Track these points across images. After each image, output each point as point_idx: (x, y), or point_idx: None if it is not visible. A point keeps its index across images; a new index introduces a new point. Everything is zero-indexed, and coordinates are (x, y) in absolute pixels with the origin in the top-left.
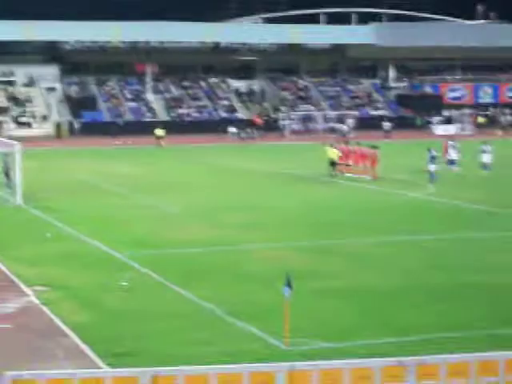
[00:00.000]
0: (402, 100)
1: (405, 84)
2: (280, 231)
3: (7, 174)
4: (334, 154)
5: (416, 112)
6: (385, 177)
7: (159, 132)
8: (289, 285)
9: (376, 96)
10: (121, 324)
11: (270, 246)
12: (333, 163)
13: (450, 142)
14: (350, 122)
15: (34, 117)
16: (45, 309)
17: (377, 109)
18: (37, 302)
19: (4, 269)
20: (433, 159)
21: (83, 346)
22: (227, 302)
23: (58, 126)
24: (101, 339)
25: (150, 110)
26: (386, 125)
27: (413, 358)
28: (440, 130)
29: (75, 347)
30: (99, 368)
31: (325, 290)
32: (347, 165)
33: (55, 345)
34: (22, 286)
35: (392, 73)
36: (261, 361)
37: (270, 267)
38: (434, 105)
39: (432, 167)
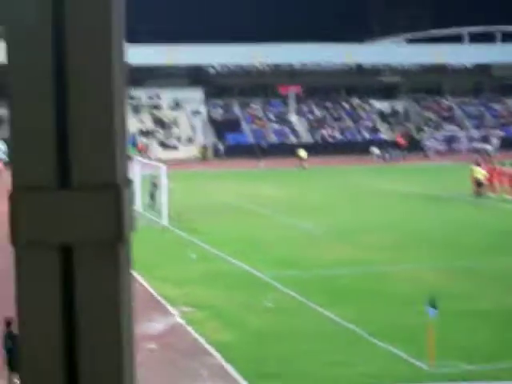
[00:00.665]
0: None
1: None
2: (422, 252)
3: (152, 196)
4: (480, 173)
5: None
6: None
7: (302, 153)
8: (433, 306)
9: None
10: (264, 344)
11: (412, 267)
12: (479, 183)
13: None
14: (495, 141)
15: (179, 139)
16: (190, 329)
17: None
18: (182, 322)
19: (150, 289)
20: None
21: (227, 366)
22: (370, 323)
23: (203, 148)
24: (245, 359)
25: (293, 131)
26: None
27: None
28: None
29: (220, 367)
30: None
31: (468, 312)
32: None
33: (200, 364)
34: (168, 306)
35: None
36: (405, 382)
37: (412, 288)
38: None
39: None
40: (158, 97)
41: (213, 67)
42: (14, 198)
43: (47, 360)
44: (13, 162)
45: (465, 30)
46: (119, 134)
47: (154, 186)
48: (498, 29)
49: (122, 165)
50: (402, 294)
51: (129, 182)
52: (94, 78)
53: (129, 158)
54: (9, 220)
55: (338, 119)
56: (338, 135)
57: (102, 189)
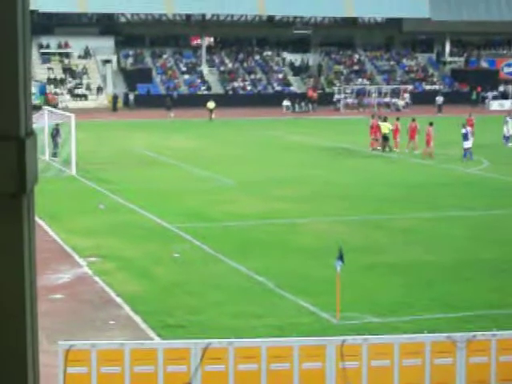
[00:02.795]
0: (458, 75)
1: (461, 59)
2: (331, 205)
3: (55, 141)
4: (386, 128)
5: (472, 87)
6: (437, 152)
7: (210, 105)
8: (341, 258)
9: (431, 71)
10: (173, 296)
11: (321, 220)
12: (385, 138)
13: (507, 118)
14: (405, 96)
15: (89, 89)
16: (98, 279)
17: (432, 83)
18: (90, 272)
19: (58, 240)
20: (465, 136)
21: (135, 317)
22: (279, 276)
23: (113, 98)
24: (153, 310)
25: (205, 82)
26: (439, 99)
27: (463, 334)
28: (495, 105)
29: (127, 318)
30: (151, 339)
31: (375, 265)
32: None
33: (107, 315)
34: (76, 257)
35: (448, 47)
36: (312, 335)
37: (320, 241)
38: (489, 80)
39: (465, 144)
40: (68, 45)
41: (124, 16)
42: None
43: None
44: None
45: None
46: (23, 84)
47: (57, 131)
48: None
49: (26, 117)
50: (312, 247)
51: (33, 134)
52: None
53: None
54: None
55: (249, 71)
56: (249, 87)
57: (4, 141)
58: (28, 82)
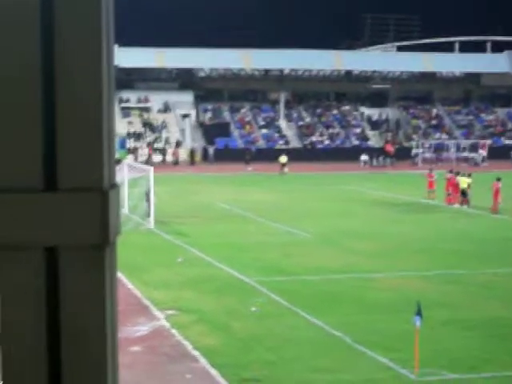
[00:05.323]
0: None
1: None
2: (408, 260)
3: (148, 199)
4: (464, 183)
5: None
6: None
7: (283, 159)
8: (419, 314)
9: (510, 125)
10: (249, 349)
11: (398, 274)
12: (463, 193)
13: None
14: (483, 151)
15: (168, 143)
16: (175, 332)
17: (511, 138)
18: (167, 325)
19: (136, 292)
20: None
21: (212, 370)
22: (356, 330)
23: (192, 152)
24: (229, 364)
25: (282, 137)
26: None
27: None
28: None
29: (204, 371)
30: None
31: (452, 320)
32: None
33: (184, 368)
34: (154, 310)
35: None
36: None
37: (397, 296)
38: None
39: None
40: (148, 100)
41: (203, 71)
42: None
43: (30, 364)
44: None
45: (455, 39)
46: (107, 137)
47: (147, 190)
48: (487, 38)
49: (109, 168)
50: (389, 302)
51: (115, 186)
52: (83, 79)
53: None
54: None
55: (327, 125)
56: (327, 141)
57: (89, 192)
58: (112, 135)
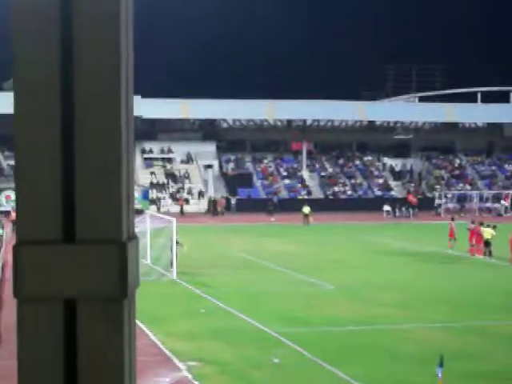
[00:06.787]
0: None
1: None
2: (432, 311)
3: (172, 250)
4: (488, 233)
5: None
6: None
7: (306, 210)
8: (441, 365)
9: None
10: None
11: (422, 325)
12: (487, 243)
13: None
14: (506, 201)
15: (191, 193)
16: (197, 383)
17: None
18: (190, 376)
19: (158, 343)
20: None
21: None
22: (379, 382)
23: (211, 202)
24: None
25: (305, 187)
26: None
27: None
28: None
29: None
30: None
31: (474, 373)
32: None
33: None
34: (176, 361)
35: None
36: None
37: (422, 348)
38: None
39: None
40: (171, 150)
41: (226, 122)
42: (18, 251)
43: None
44: (17, 214)
45: (477, 90)
46: (125, 189)
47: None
48: (510, 89)
49: (128, 220)
50: (413, 354)
51: (134, 238)
52: (101, 130)
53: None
54: (12, 273)
55: (349, 176)
56: (349, 192)
57: (107, 244)
58: (131, 187)
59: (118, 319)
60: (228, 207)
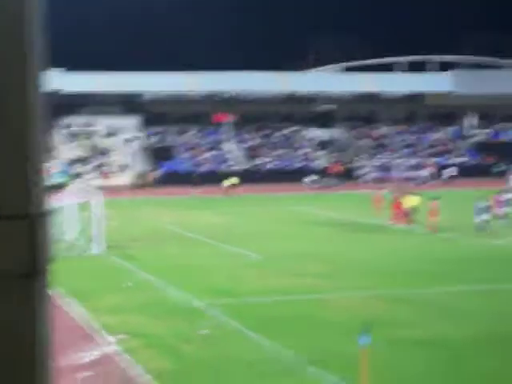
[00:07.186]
0: (482, 148)
1: (485, 131)
2: (357, 280)
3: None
4: (412, 202)
5: (497, 160)
6: (459, 224)
7: (231, 181)
8: (366, 334)
9: (455, 144)
10: (200, 372)
11: (348, 294)
12: (411, 211)
13: None
14: (428, 170)
15: (114, 167)
16: (126, 357)
17: (456, 156)
18: (118, 349)
19: (85, 317)
20: (480, 211)
21: None
22: (307, 351)
23: (138, 175)
24: None
25: (229, 159)
26: (451, 171)
27: None
28: None
29: None
30: None
31: (402, 340)
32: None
33: None
34: (104, 334)
35: (471, 120)
36: None
37: (348, 316)
38: None
39: (478, 218)
40: (93, 124)
41: (148, 95)
42: None
43: None
44: None
45: (400, 59)
46: (34, 164)
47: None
48: (430, 58)
49: (38, 194)
50: (339, 322)
51: (47, 213)
52: (9, 103)
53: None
54: None
55: (273, 147)
56: (273, 163)
57: (14, 220)
58: (40, 161)
59: (30, 295)
60: (152, 180)
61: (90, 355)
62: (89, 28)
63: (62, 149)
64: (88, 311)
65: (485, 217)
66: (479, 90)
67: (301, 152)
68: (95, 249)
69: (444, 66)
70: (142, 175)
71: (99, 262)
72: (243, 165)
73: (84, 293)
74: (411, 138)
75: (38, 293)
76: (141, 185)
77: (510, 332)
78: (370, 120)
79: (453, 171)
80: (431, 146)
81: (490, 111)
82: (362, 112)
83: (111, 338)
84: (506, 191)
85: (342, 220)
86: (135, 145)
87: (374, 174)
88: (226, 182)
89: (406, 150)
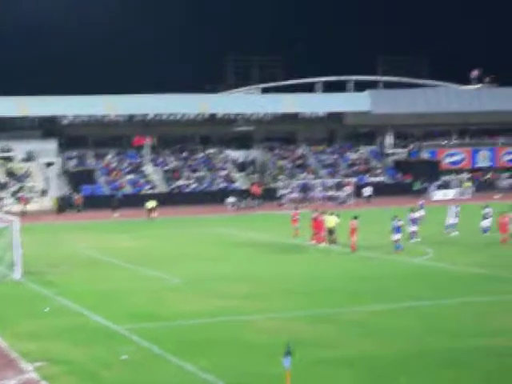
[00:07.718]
0: (400, 166)
1: (403, 150)
2: (279, 301)
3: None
4: (332, 222)
5: (415, 178)
6: (380, 244)
7: (150, 204)
8: (289, 355)
9: (374, 163)
10: None
11: (270, 316)
12: (330, 231)
13: (452, 207)
14: (348, 189)
15: (32, 192)
16: None
17: (375, 175)
18: (36, 377)
19: (3, 345)
20: (398, 229)
21: None
22: (228, 374)
23: (58, 200)
24: None
25: (149, 182)
26: (367, 190)
27: None
28: (439, 195)
29: None
30: None
31: (325, 360)
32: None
33: None
34: (22, 362)
35: (389, 139)
36: None
37: (270, 338)
38: (431, 170)
39: (395, 236)
40: (11, 149)
41: (66, 118)
42: None
43: None
44: None
45: (318, 80)
46: None
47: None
48: (349, 78)
49: None
50: (262, 344)
51: None
52: None
53: None
54: None
55: (193, 169)
56: (193, 185)
57: None
58: None
59: None
60: (70, 205)
61: (8, 383)
62: (4, 50)
63: None
64: (5, 338)
65: (398, 236)
66: (396, 109)
67: (221, 173)
68: (13, 275)
69: (362, 86)
70: (63, 199)
71: (17, 288)
72: (163, 187)
73: (1, 319)
74: (331, 158)
75: None
76: (63, 209)
77: (432, 349)
78: (289, 140)
79: (368, 190)
80: (351, 165)
81: (408, 130)
82: (281, 132)
83: (29, 366)
84: (416, 210)
85: (263, 241)
86: (54, 169)
87: (294, 195)
88: (148, 205)
89: (325, 170)
